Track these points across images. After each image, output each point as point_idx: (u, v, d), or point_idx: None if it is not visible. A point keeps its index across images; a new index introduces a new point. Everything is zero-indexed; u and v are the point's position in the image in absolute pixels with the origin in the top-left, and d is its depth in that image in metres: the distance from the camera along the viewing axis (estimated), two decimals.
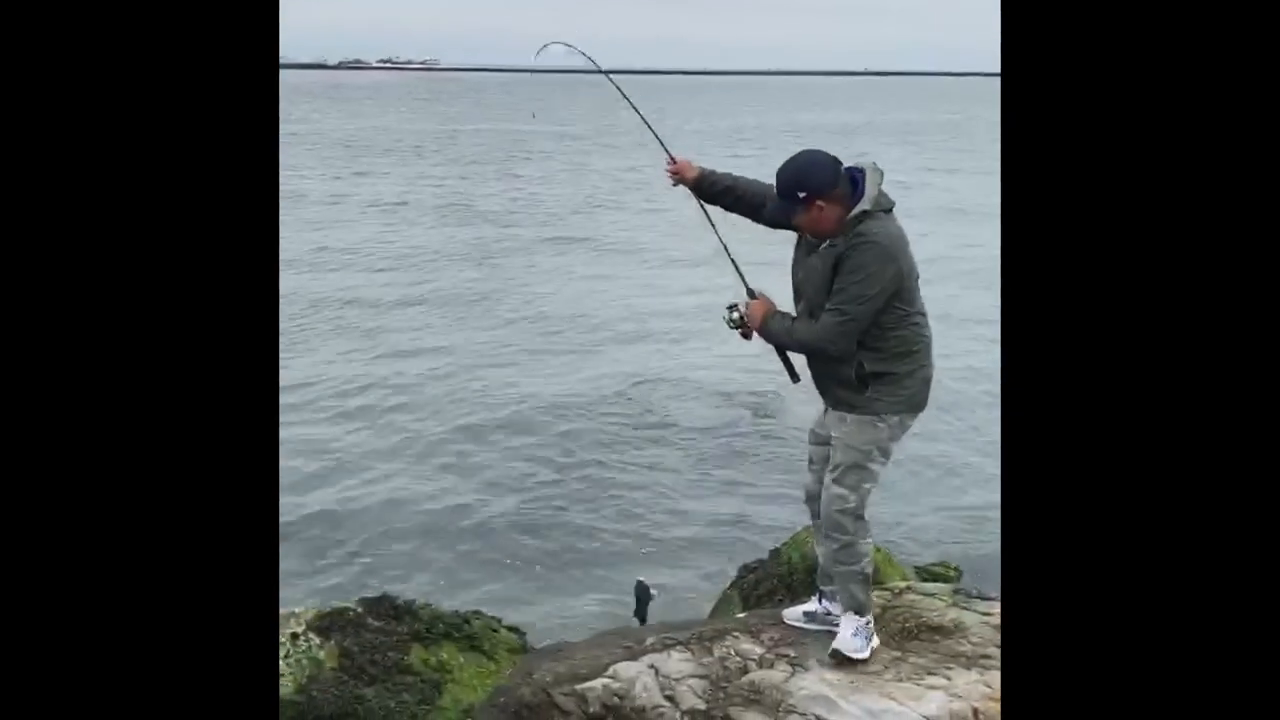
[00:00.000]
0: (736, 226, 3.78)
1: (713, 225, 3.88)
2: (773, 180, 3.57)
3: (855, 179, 3.44)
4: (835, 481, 3.57)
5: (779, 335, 3.61)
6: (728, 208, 3.80)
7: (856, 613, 3.67)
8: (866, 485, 3.57)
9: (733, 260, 3.82)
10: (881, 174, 3.46)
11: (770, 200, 3.60)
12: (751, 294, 3.69)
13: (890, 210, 3.46)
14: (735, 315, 3.66)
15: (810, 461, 3.84)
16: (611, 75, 4.32)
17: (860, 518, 3.58)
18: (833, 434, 3.62)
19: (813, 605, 3.93)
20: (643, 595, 5.43)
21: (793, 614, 3.95)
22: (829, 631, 3.78)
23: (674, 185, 3.85)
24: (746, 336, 3.68)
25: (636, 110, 4.07)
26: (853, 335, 3.43)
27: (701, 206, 3.86)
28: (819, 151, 3.53)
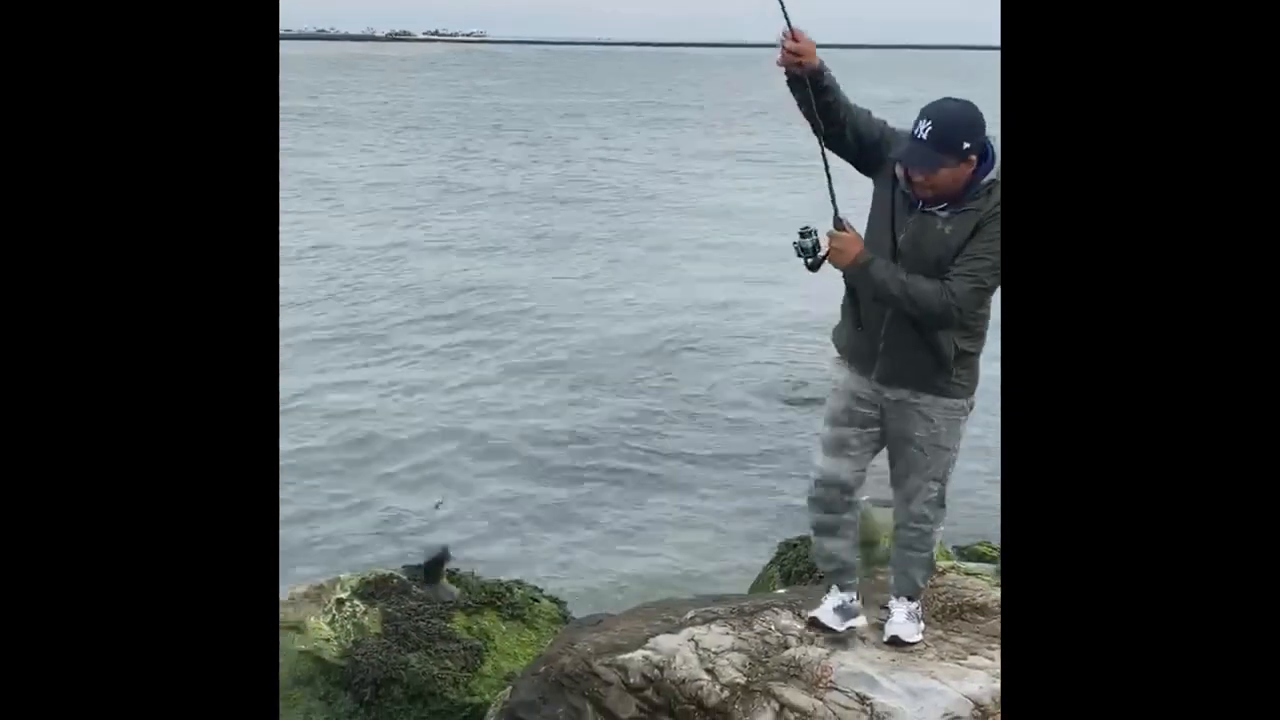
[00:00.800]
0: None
1: (817, 130, 3.18)
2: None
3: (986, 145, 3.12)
4: (929, 480, 3.45)
5: (887, 283, 3.13)
6: (818, 111, 3.15)
7: (910, 597, 3.65)
8: (950, 472, 3.50)
9: (829, 175, 3.20)
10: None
11: (896, 140, 3.19)
12: (839, 224, 3.19)
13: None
14: (809, 242, 3.18)
15: (844, 447, 3.47)
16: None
17: (943, 504, 3.53)
18: (915, 433, 3.38)
19: (838, 599, 3.65)
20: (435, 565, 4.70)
21: (826, 614, 3.64)
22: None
23: (781, 65, 3.08)
24: (814, 268, 3.23)
25: None
26: (980, 305, 3.16)
27: (810, 106, 3.13)
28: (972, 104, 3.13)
